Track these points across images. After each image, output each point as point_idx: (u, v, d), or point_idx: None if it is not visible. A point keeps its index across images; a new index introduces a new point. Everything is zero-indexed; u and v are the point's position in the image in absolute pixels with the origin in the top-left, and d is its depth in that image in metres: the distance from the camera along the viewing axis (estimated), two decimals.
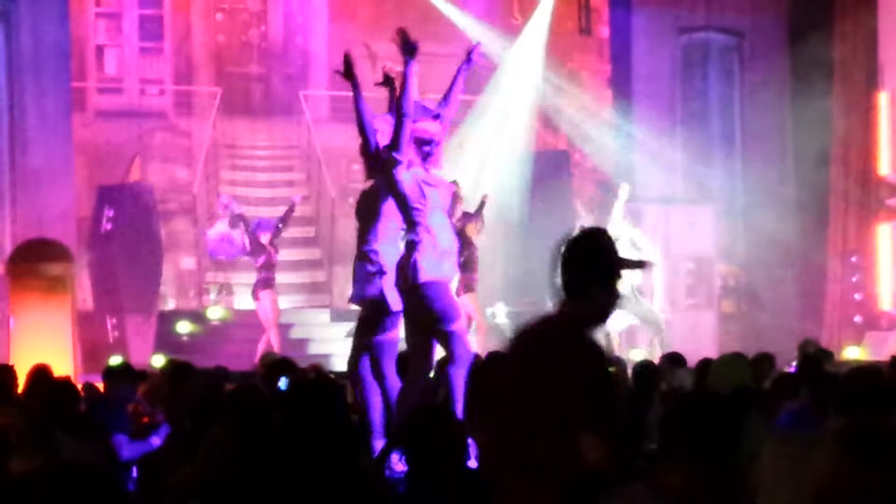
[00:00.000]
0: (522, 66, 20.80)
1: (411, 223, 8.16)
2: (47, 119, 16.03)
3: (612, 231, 16.13)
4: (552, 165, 20.47)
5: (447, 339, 8.13)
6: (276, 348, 15.62)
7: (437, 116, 8.40)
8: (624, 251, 16.11)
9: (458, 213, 15.00)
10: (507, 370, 4.53)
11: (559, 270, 4.51)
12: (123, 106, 21.05)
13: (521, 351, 4.52)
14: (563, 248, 4.51)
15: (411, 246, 8.15)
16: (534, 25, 20.98)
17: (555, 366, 4.33)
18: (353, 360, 8.70)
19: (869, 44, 18.36)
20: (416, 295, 8.12)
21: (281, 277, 17.55)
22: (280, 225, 16.68)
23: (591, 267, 4.53)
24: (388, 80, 8.68)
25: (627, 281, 15.94)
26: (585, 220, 18.55)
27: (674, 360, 10.49)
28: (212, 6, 21.54)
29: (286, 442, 5.38)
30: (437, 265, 8.12)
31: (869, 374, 6.58)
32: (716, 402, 4.26)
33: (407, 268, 8.10)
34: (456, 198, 13.98)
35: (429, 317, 8.14)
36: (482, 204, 15.92)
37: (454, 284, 8.75)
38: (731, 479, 4.14)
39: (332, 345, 16.81)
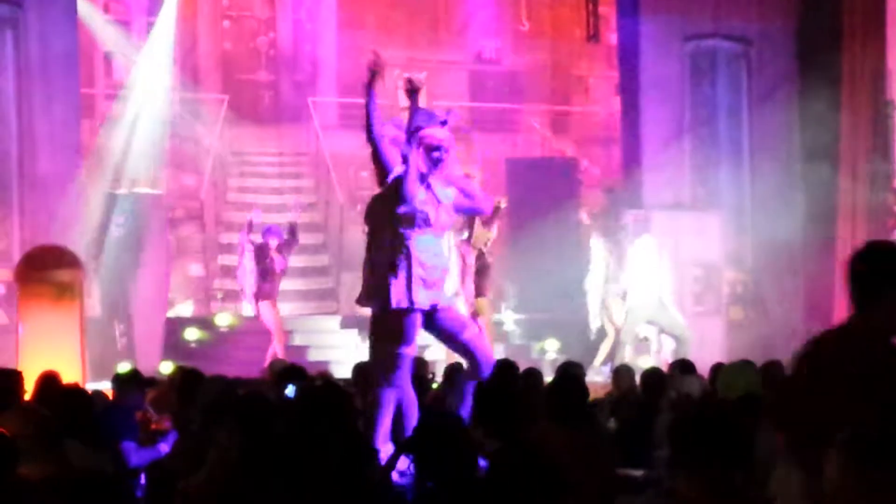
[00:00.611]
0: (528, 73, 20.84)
1: (397, 243, 8.20)
2: (56, 125, 16.04)
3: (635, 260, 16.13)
4: (560, 172, 20.51)
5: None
6: (281, 355, 15.62)
7: (444, 123, 8.37)
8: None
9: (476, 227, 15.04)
10: (810, 384, 4.50)
11: (852, 282, 4.51)
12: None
13: (825, 364, 4.51)
14: (855, 261, 4.52)
15: (393, 267, 8.16)
16: (539, 31, 21.03)
17: (868, 377, 4.33)
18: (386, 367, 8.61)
19: (878, 51, 18.35)
20: (383, 319, 8.22)
21: (289, 284, 17.55)
22: (287, 237, 16.41)
23: (887, 279, 4.52)
24: (412, 92, 8.56)
25: (654, 290, 15.94)
26: (590, 227, 18.55)
27: (683, 367, 10.46)
28: (219, 13, 21.59)
29: (291, 449, 5.39)
30: (419, 291, 8.14)
31: None
32: (727, 411, 4.27)
33: (383, 290, 8.14)
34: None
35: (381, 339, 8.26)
36: (496, 210, 15.93)
37: (447, 299, 8.70)
38: (742, 487, 4.13)
39: (338, 352, 16.78)
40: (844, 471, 3.93)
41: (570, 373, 8.80)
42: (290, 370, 9.48)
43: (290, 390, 8.35)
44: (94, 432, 7.37)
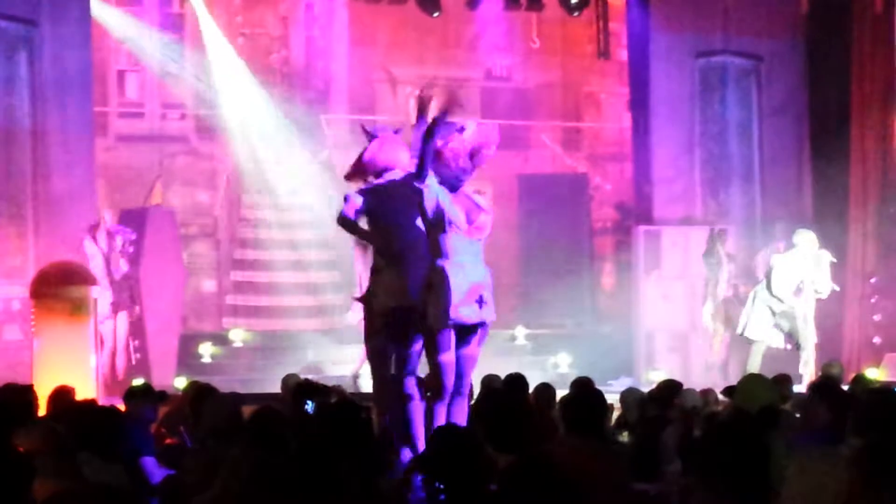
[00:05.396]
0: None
1: (437, 248, 8.24)
2: (70, 143, 16.09)
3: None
4: (571, 188, 20.55)
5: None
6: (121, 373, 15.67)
7: (461, 129, 8.38)
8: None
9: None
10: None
11: None
12: (145, 130, 21.18)
13: None
14: None
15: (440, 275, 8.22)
16: (550, 48, 21.08)
17: None
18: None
19: (887, 65, 18.37)
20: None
21: (303, 300, 17.55)
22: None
23: None
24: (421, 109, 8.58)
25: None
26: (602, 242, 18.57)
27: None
28: (233, 31, 21.64)
29: (304, 465, 5.41)
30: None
31: (886, 395, 6.60)
32: (754, 429, 4.29)
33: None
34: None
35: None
36: None
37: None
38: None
39: (350, 367, 16.77)
40: (857, 482, 3.97)
41: (591, 386, 8.84)
42: (307, 386, 9.52)
43: (309, 406, 8.40)
44: (111, 446, 7.40)
